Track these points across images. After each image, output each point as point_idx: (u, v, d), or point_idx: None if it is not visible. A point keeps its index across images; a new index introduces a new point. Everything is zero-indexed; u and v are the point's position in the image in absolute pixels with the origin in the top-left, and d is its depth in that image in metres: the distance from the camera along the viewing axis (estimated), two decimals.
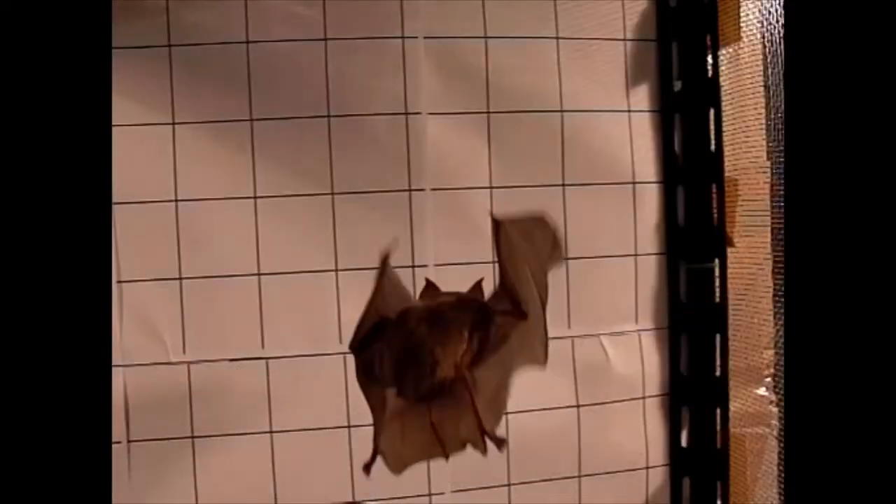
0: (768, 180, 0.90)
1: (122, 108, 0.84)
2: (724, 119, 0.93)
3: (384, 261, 0.60)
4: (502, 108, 0.92)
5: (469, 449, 0.59)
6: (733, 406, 0.94)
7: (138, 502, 0.86)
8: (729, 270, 0.93)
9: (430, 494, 0.92)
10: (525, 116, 0.93)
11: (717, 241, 0.94)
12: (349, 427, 0.90)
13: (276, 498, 0.89)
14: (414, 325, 0.58)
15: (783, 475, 0.89)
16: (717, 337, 0.94)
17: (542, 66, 0.93)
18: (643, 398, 0.97)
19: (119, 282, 0.86)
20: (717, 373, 0.94)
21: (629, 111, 0.95)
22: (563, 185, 0.93)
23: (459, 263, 0.92)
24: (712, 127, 0.93)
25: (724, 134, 0.93)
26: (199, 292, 0.87)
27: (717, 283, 0.95)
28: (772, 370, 0.93)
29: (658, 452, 0.97)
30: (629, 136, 0.95)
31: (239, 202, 0.88)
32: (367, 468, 0.59)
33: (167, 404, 0.87)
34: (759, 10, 0.89)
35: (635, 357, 0.96)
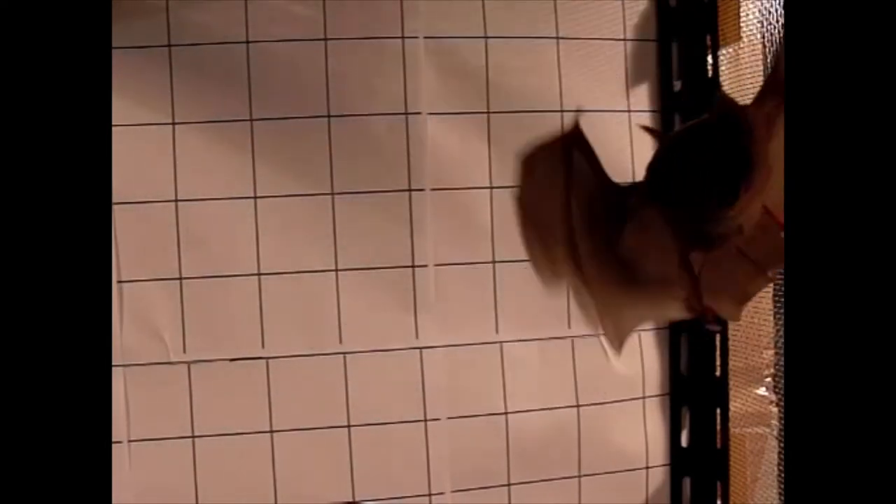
0: None
1: (122, 108, 0.84)
2: None
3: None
4: (502, 108, 0.92)
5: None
6: (733, 406, 0.94)
7: (138, 502, 0.86)
8: None
9: (429, 494, 0.92)
10: (525, 116, 0.92)
11: None
12: (349, 427, 0.90)
13: (276, 498, 0.89)
14: None
15: (783, 475, 0.89)
16: (717, 337, 0.94)
17: (542, 66, 0.93)
18: (643, 398, 0.97)
19: (119, 282, 0.86)
20: (717, 373, 0.94)
21: (629, 111, 0.95)
22: None
23: (459, 263, 0.92)
24: None
25: None
26: (199, 292, 0.87)
27: None
28: (772, 370, 0.93)
29: (658, 452, 0.97)
30: (629, 136, 0.95)
31: (239, 202, 0.88)
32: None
33: (167, 404, 0.87)
34: (759, 10, 0.89)
35: (635, 357, 0.96)
